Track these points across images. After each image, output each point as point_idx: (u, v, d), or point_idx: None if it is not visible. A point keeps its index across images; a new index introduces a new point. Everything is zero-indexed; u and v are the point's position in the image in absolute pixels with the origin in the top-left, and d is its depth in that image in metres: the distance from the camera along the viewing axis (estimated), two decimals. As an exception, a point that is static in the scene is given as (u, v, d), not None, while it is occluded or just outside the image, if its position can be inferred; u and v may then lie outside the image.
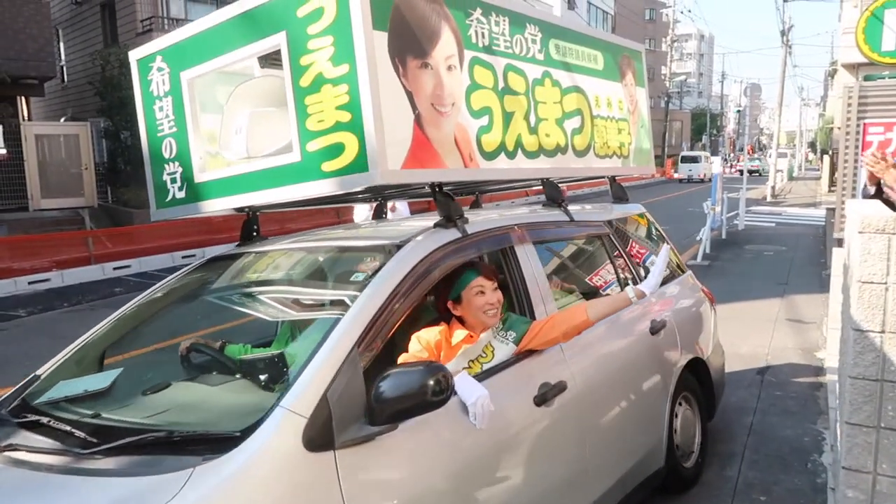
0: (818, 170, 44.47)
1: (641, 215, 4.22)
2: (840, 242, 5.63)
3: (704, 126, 62.40)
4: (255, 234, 3.22)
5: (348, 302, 2.22)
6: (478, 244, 2.72)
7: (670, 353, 3.59)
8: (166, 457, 1.83)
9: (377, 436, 1.97)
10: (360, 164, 2.32)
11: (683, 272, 4.27)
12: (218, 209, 2.93)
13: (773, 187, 26.96)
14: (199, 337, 2.79)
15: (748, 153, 23.14)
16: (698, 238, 12.03)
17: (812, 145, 62.59)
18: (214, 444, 1.83)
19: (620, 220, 3.85)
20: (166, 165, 3.05)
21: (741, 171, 22.61)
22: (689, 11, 59.95)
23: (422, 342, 2.54)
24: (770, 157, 31.43)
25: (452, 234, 2.64)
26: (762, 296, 8.74)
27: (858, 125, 5.78)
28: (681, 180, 38.10)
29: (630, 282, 3.56)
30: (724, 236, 13.91)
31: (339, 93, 2.34)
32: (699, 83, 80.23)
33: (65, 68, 21.67)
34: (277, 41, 2.49)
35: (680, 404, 3.77)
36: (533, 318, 2.80)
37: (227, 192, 2.83)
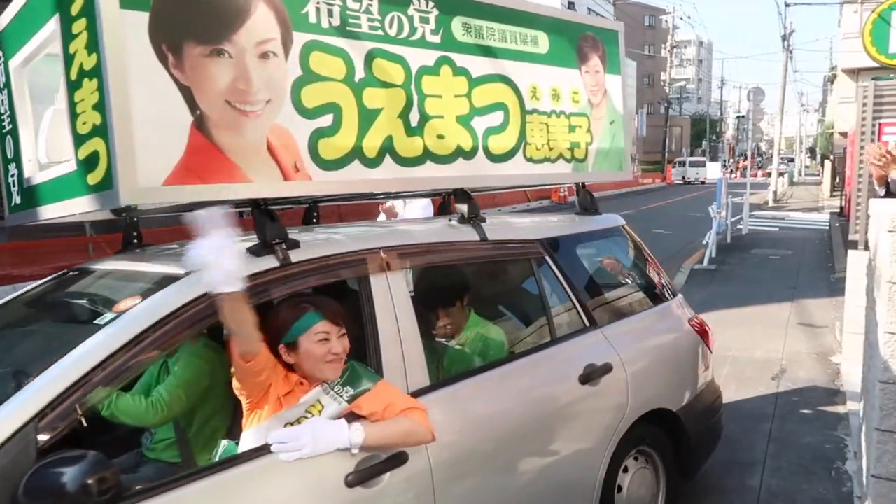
0: (818, 175, 47.08)
1: (613, 231, 3.51)
2: (854, 244, 5.55)
3: (704, 132, 63.38)
4: (135, 241, 2.82)
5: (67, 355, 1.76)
6: (305, 275, 2.19)
7: (611, 405, 2.90)
8: None
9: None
10: (107, 179, 1.85)
11: (667, 299, 3.53)
12: (51, 217, 2.55)
13: (775, 192, 27.17)
14: None
15: (749, 159, 22.52)
16: (704, 242, 11.88)
17: (811, 151, 64.91)
18: None
19: (572, 237, 3.17)
20: (9, 167, 2.71)
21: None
22: (689, 17, 59.95)
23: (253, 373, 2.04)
24: (772, 162, 31.83)
25: (267, 262, 2.12)
26: (772, 300, 8.61)
27: (874, 125, 5.57)
28: (670, 183, 41.86)
29: (577, 314, 2.91)
30: (728, 240, 13.80)
31: (93, 88, 1.87)
32: (698, 89, 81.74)
33: None
34: (54, 24, 2.05)
35: (636, 459, 3.09)
36: (380, 370, 2.24)
37: (49, 199, 2.44)
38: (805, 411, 4.93)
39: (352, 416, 2.11)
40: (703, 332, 3.54)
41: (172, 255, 2.35)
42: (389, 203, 4.83)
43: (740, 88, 65.37)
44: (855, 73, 15.77)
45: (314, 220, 3.29)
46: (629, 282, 3.47)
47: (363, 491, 2.04)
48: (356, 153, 2.30)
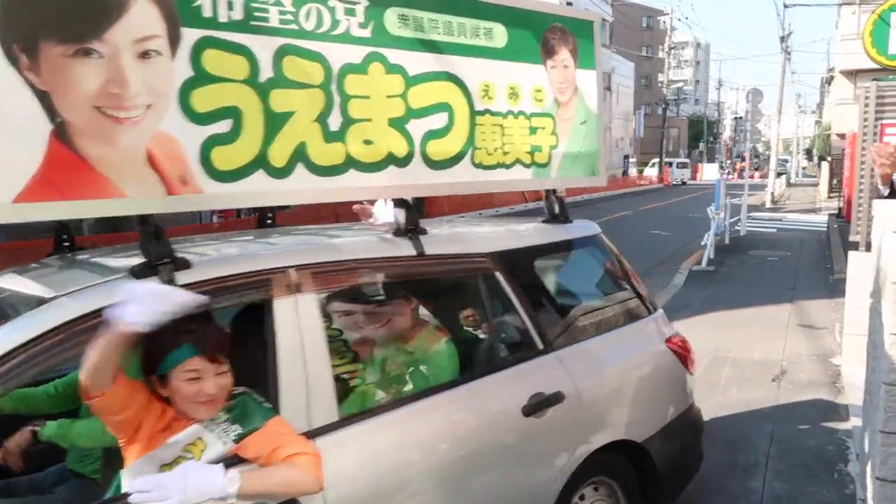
0: (815, 176, 47.57)
1: (586, 241, 3.22)
2: (855, 246, 5.57)
3: (701, 133, 63.40)
4: (66, 244, 2.64)
5: None
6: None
7: (562, 439, 2.66)
8: None
9: None
10: (-51, 194, 1.66)
11: (644, 315, 3.24)
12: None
13: (772, 193, 27.05)
14: None
15: (743, 161, 22.61)
16: (702, 244, 11.90)
17: (808, 152, 65.32)
18: None
19: (532, 249, 2.90)
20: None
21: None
22: (687, 19, 59.79)
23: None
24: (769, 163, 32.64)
25: (150, 284, 1.92)
26: (771, 301, 8.59)
27: (876, 126, 5.40)
28: (667, 185, 43.17)
29: (529, 337, 2.66)
30: (727, 241, 13.80)
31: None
32: (696, 90, 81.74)
33: None
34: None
35: (595, 489, 2.85)
36: (277, 406, 2.03)
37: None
38: (806, 413, 4.91)
39: (237, 459, 1.91)
40: (682, 353, 3.25)
41: (62, 270, 2.17)
42: (363, 203, 4.59)
43: (738, 90, 66.39)
44: (853, 74, 15.72)
45: (269, 223, 3.08)
46: (599, 298, 3.19)
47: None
48: (260, 162, 2.07)
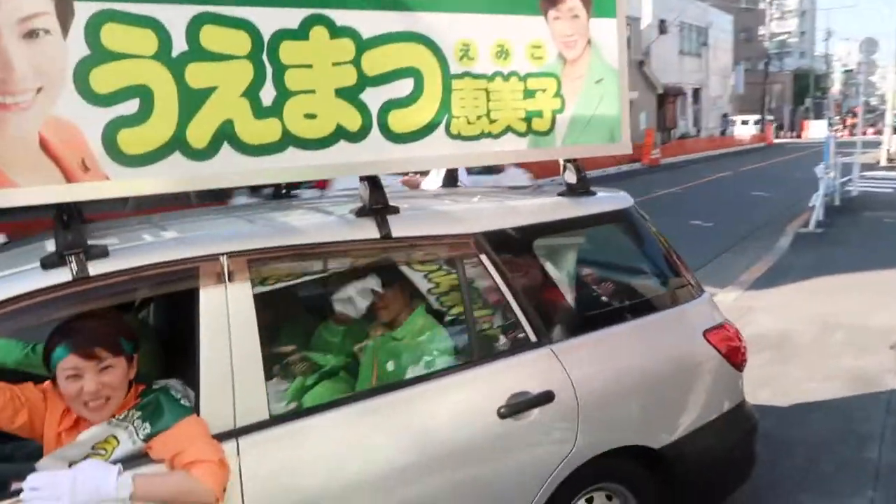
0: None
1: (613, 216, 2.83)
2: None
3: (807, 88, 57.33)
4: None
5: None
6: (105, 292, 1.89)
7: (547, 444, 2.36)
8: None
9: None
10: None
11: (679, 303, 2.81)
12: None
13: (888, 150, 24.07)
14: None
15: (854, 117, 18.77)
16: (810, 205, 11.32)
17: None
18: None
19: (533, 228, 2.57)
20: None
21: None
22: None
23: None
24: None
25: (59, 276, 1.85)
26: (886, 265, 7.96)
27: None
28: (770, 144, 40.14)
29: (519, 328, 2.38)
30: (837, 203, 12.94)
31: None
32: (801, 42, 72.99)
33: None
34: None
35: (609, 498, 2.56)
36: (196, 404, 1.92)
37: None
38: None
39: (146, 459, 1.83)
40: (726, 346, 2.79)
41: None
42: (410, 175, 4.35)
43: (848, 41, 59.91)
44: None
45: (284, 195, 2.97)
46: (621, 283, 2.81)
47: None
48: (176, 144, 1.92)
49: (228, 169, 2.01)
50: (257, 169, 2.05)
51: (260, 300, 2.07)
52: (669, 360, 2.68)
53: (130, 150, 1.87)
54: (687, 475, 2.66)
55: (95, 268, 1.88)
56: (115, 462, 1.76)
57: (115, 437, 1.87)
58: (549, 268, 2.58)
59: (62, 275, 1.84)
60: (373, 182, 2.30)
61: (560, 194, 2.79)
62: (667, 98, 35.50)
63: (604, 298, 2.67)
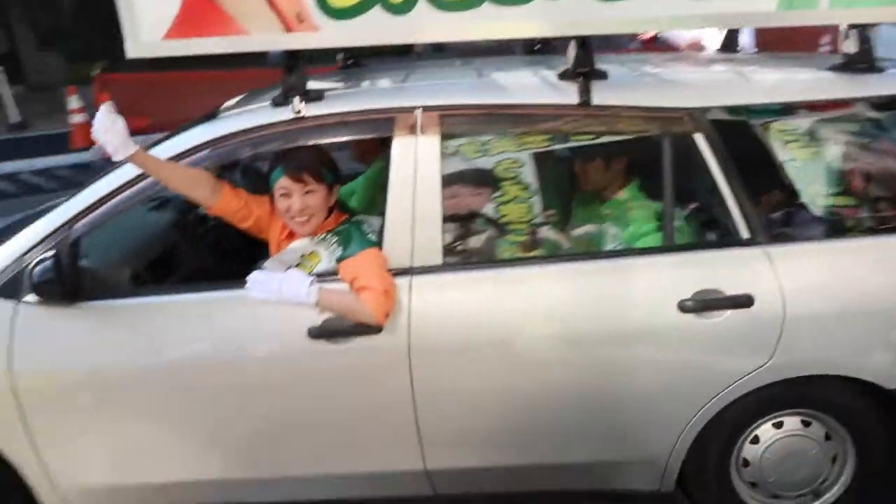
0: None
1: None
2: None
3: None
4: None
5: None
6: (317, 131, 2.18)
7: (728, 351, 2.13)
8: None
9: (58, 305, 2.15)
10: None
11: None
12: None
13: None
14: None
15: None
16: None
17: None
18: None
19: (766, 108, 2.18)
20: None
21: None
22: None
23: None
24: None
25: (281, 114, 2.19)
26: None
27: None
28: None
29: (730, 221, 2.15)
30: None
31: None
32: None
33: None
34: None
35: (807, 424, 2.27)
36: (379, 239, 2.16)
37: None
38: None
39: (335, 277, 2.16)
40: None
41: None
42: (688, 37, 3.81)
43: None
44: None
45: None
46: (888, 187, 2.25)
47: (325, 344, 2.13)
48: (376, -1, 2.05)
49: (423, 24, 2.08)
50: (452, 26, 2.08)
51: (447, 155, 2.18)
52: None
53: (337, 4, 2.05)
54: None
55: (311, 109, 2.18)
56: (314, 275, 2.13)
57: (318, 254, 2.23)
58: (789, 158, 2.19)
59: (284, 114, 2.18)
60: (582, 43, 2.16)
61: (832, 68, 2.28)
62: None
63: (855, 204, 2.19)
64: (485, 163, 2.28)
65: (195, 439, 2.25)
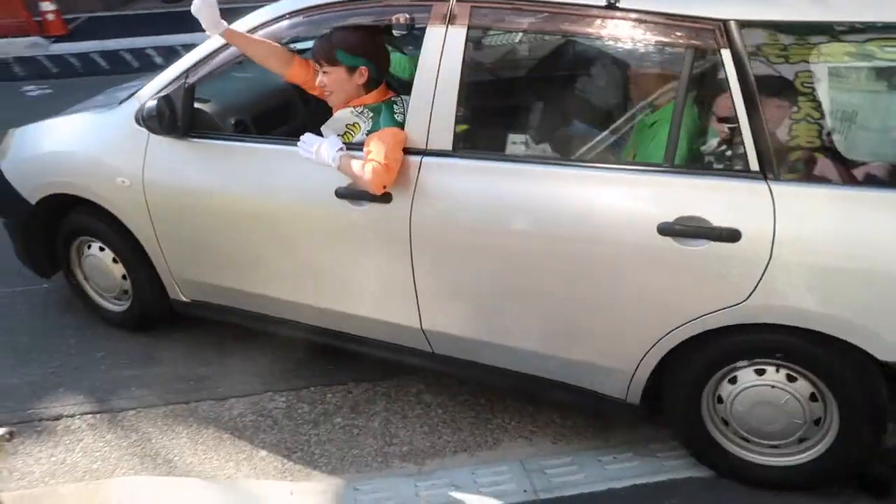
0: None
1: None
2: None
3: None
4: None
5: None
6: (348, 13, 2.43)
7: (701, 281, 2.06)
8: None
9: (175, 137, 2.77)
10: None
11: None
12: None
13: None
14: None
15: None
16: None
17: None
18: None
19: (804, 26, 1.91)
20: None
21: None
22: None
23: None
24: None
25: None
26: None
27: None
28: None
29: (740, 151, 2.05)
30: None
31: None
32: None
33: None
34: None
35: (792, 379, 2.16)
36: (402, 121, 2.41)
37: None
38: None
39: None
40: None
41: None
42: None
43: None
44: None
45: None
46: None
47: (347, 204, 2.49)
48: None
49: None
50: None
51: (472, 46, 2.29)
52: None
53: None
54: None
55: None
56: (355, 143, 2.47)
57: (359, 125, 2.54)
58: (827, 88, 1.94)
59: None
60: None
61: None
62: None
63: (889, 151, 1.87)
64: (515, 57, 2.35)
65: (247, 257, 2.80)
